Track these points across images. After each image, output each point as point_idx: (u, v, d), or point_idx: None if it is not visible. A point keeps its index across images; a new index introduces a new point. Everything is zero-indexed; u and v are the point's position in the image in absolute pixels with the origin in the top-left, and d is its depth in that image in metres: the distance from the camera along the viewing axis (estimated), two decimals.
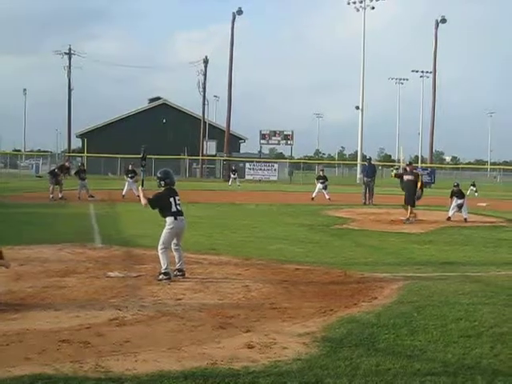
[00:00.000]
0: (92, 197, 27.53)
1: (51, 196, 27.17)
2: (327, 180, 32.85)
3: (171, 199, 9.73)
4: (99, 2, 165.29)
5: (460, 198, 21.71)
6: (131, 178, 29.57)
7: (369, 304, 8.11)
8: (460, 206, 21.51)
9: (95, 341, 6.26)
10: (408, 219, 20.08)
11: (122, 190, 29.60)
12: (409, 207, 20.46)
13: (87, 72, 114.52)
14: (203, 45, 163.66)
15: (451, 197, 21.86)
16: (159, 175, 10.16)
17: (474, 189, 41.91)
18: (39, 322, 6.94)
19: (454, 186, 22.38)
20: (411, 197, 20.52)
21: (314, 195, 31.68)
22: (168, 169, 10.45)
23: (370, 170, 30.43)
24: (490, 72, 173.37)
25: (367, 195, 29.10)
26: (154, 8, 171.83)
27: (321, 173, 33.69)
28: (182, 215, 9.71)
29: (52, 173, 28.67)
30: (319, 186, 32.27)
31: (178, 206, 9.76)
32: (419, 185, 20.81)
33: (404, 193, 21.17)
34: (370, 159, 35.00)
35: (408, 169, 22.04)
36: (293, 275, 10.08)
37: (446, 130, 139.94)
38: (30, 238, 14.10)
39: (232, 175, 50.70)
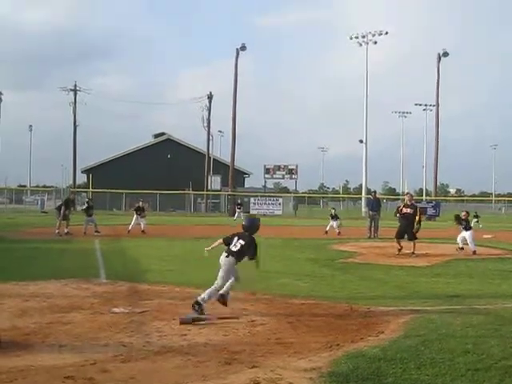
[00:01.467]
0: (98, 232, 27.52)
1: (57, 231, 27.07)
2: (339, 218, 33.85)
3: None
4: (104, 39, 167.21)
5: (467, 229, 21.49)
6: (139, 214, 29.71)
7: (375, 338, 8.04)
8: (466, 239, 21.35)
9: (100, 377, 6.21)
10: (413, 253, 19.84)
11: (128, 225, 29.63)
12: (412, 242, 20.16)
13: (92, 108, 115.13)
14: (208, 80, 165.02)
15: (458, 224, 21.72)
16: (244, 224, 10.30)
17: (477, 220, 41.71)
18: (43, 358, 6.89)
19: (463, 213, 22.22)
20: (411, 230, 20.28)
21: (327, 229, 32.54)
22: (254, 218, 10.72)
23: (375, 204, 30.42)
24: (494, 104, 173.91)
25: (372, 229, 29.02)
26: (159, 44, 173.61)
27: (332, 211, 34.09)
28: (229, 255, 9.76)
29: (59, 208, 28.51)
30: (332, 222, 33.18)
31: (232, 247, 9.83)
32: (417, 218, 20.51)
33: (399, 225, 20.96)
34: (374, 192, 34.92)
35: (407, 200, 21.50)
36: (298, 310, 10.03)
37: (450, 162, 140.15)
38: (35, 273, 14.04)
39: (237, 209, 50.89)
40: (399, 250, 20.25)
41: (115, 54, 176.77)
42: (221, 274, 9.65)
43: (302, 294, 11.63)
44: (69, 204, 28.76)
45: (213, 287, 9.56)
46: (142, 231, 28.93)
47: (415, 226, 20.35)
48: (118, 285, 12.63)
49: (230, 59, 66.95)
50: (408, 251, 19.93)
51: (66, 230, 27.30)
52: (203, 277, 13.22)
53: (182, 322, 8.82)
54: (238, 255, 9.73)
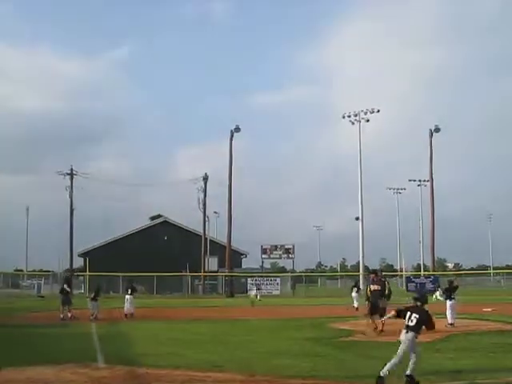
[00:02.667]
0: (96, 318, 27.06)
1: (61, 316, 26.50)
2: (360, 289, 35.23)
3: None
4: (101, 124, 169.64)
5: (449, 299, 22.10)
6: (131, 294, 29.25)
7: None
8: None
9: None
10: (382, 330, 18.99)
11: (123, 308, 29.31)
12: (374, 318, 19.55)
13: (89, 191, 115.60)
14: (203, 161, 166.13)
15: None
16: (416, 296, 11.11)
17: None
18: None
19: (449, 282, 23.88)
20: (379, 307, 19.36)
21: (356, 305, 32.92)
22: (422, 291, 11.39)
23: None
24: (488, 177, 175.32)
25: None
26: (155, 126, 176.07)
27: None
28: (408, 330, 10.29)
29: (62, 291, 27.78)
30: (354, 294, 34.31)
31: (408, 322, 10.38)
32: (386, 292, 19.99)
33: (369, 303, 20.07)
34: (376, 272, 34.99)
35: (373, 278, 20.98)
36: None
37: (446, 236, 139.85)
38: (32, 358, 13.87)
39: (256, 290, 51.25)
40: (375, 328, 19.39)
41: (112, 138, 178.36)
42: (402, 348, 10.20)
43: (302, 375, 11.50)
44: (70, 284, 28.32)
45: (393, 361, 10.06)
46: (131, 314, 28.38)
47: (382, 301, 19.57)
48: (116, 369, 12.47)
49: (225, 140, 67.61)
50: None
51: (69, 314, 26.66)
52: (202, 358, 13.12)
53: None
54: (416, 329, 10.26)
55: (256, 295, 48.66)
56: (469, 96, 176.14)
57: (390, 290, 20.28)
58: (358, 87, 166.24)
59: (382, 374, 9.60)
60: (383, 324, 18.72)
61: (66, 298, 27.23)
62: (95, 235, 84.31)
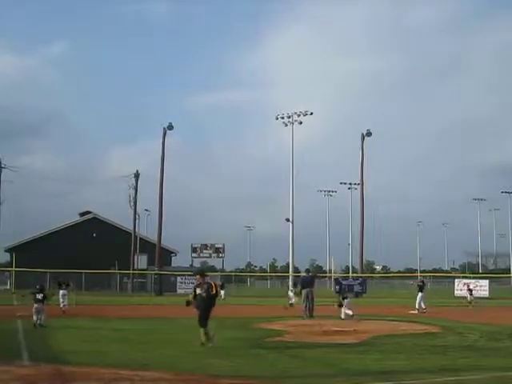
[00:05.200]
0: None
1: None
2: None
3: None
4: (34, 119, 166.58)
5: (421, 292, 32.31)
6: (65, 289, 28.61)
7: None
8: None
9: None
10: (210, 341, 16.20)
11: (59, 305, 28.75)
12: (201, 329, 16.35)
13: (18, 185, 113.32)
14: (135, 159, 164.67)
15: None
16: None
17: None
18: None
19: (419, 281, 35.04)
20: (206, 315, 16.41)
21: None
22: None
23: (309, 281, 29.79)
24: (418, 182, 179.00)
25: (308, 307, 27.85)
26: (88, 125, 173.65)
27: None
28: None
29: None
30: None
31: None
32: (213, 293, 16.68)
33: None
34: (308, 270, 35.42)
35: (198, 279, 17.52)
36: None
37: (375, 239, 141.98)
38: None
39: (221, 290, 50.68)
40: (202, 344, 16.18)
41: (43, 133, 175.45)
42: None
43: (229, 374, 11.45)
44: None
45: None
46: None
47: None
48: (41, 367, 12.18)
49: (157, 139, 66.95)
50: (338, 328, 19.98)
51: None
52: (128, 357, 12.94)
53: None
54: None
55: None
56: (402, 102, 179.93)
57: (217, 290, 17.12)
58: (294, 91, 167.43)
59: None
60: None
61: None
62: (22, 230, 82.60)
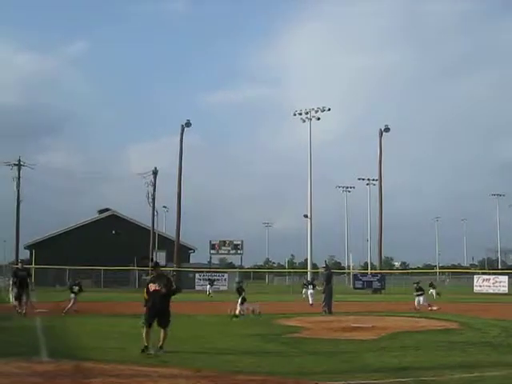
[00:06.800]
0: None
1: (19, 310, 24.28)
2: (315, 286, 36.73)
3: None
4: (53, 118, 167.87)
5: (420, 295, 30.44)
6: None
7: None
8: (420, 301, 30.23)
9: None
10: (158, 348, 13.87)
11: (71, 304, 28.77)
12: (163, 331, 14.19)
13: (37, 183, 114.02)
14: (154, 156, 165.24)
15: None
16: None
17: (434, 291, 42.22)
18: None
19: (415, 283, 32.46)
20: (166, 313, 14.41)
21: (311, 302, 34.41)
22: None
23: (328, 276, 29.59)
24: (435, 177, 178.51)
25: (328, 303, 27.62)
26: (105, 121, 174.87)
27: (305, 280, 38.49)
28: None
29: (22, 283, 24.98)
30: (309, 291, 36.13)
31: None
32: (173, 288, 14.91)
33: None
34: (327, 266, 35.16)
35: (154, 272, 15.19)
36: None
37: (394, 235, 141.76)
38: None
39: (209, 284, 51.48)
40: (146, 348, 13.72)
41: (62, 131, 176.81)
42: None
43: (248, 370, 11.47)
44: (17, 276, 25.43)
45: None
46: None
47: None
48: (60, 363, 12.26)
49: (176, 137, 66.92)
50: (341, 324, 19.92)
51: (19, 310, 24.29)
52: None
53: None
54: None
55: (208, 292, 49.23)
56: (420, 98, 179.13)
57: (175, 287, 15.78)
58: (311, 87, 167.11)
59: None
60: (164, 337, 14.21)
61: (24, 290, 24.84)
62: (42, 228, 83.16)
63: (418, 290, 31.48)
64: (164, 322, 14.15)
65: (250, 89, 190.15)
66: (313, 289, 36.22)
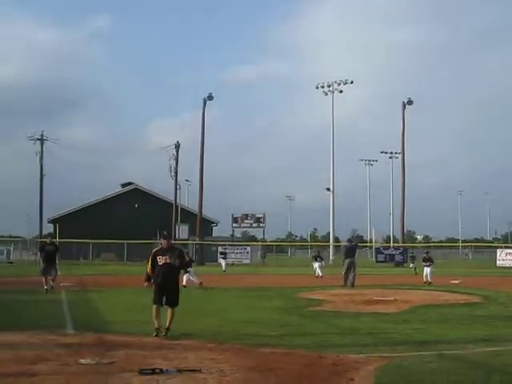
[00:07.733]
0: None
1: (46, 286, 23.46)
2: (323, 259, 39.12)
3: None
4: (76, 93, 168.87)
5: (428, 266, 30.84)
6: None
7: None
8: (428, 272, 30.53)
9: None
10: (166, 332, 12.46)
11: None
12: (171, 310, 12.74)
13: (60, 158, 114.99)
14: (176, 131, 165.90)
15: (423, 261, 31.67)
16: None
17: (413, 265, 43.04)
18: None
19: (424, 253, 33.33)
20: (175, 291, 12.94)
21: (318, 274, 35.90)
22: None
23: (351, 250, 29.29)
24: (459, 151, 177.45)
25: (351, 276, 27.51)
26: (129, 96, 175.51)
27: (314, 253, 39.90)
28: None
29: (49, 258, 24.43)
30: (316, 264, 37.17)
31: None
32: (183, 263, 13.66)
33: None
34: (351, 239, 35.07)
35: (164, 244, 13.11)
36: (268, 359, 9.90)
37: (416, 209, 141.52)
38: (0, 324, 13.75)
39: (222, 259, 48.96)
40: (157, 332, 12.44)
41: (85, 106, 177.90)
42: None
43: (271, 343, 11.52)
44: (44, 251, 24.96)
45: None
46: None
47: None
48: (84, 335, 12.41)
49: (198, 111, 66.86)
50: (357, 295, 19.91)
51: (46, 286, 23.52)
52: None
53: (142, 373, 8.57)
54: None
55: (223, 267, 46.74)
56: (447, 71, 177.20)
57: (189, 259, 13.98)
58: (335, 61, 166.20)
59: None
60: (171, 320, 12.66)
61: (51, 265, 24.26)
62: (65, 202, 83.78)
63: (426, 261, 31.50)
64: (174, 300, 12.75)
65: (274, 64, 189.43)
66: (321, 261, 37.72)
